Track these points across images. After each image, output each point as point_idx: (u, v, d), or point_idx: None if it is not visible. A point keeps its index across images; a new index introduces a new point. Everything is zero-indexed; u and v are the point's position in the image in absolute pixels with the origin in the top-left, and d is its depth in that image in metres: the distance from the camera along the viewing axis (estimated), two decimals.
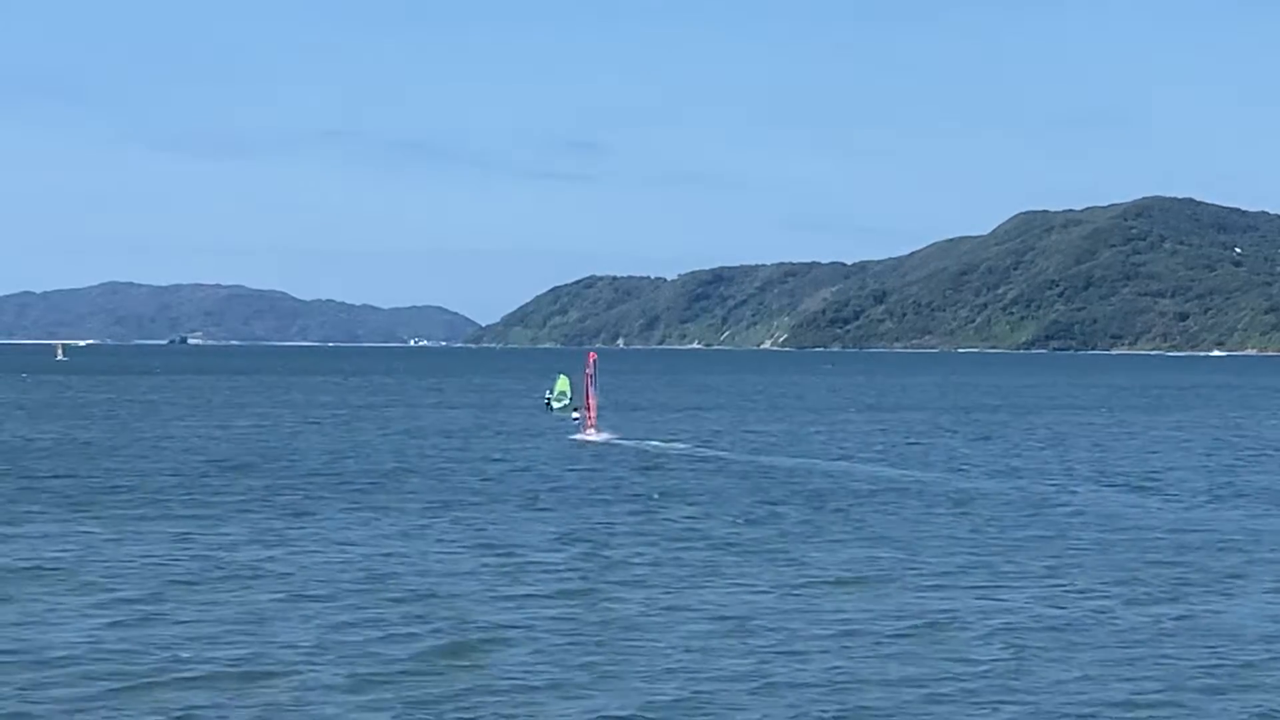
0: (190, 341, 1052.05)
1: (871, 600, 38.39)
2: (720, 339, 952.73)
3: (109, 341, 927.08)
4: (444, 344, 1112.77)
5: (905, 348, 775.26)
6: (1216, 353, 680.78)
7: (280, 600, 37.22)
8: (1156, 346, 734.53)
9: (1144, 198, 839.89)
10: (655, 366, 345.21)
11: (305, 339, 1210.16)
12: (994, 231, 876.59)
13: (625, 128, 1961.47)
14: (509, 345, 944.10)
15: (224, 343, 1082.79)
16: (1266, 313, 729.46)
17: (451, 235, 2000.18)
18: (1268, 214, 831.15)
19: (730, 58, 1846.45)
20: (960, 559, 45.39)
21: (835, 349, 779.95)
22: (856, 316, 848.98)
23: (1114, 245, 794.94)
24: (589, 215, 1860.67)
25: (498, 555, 45.00)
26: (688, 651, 31.98)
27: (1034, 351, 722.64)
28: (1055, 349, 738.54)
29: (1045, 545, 48.48)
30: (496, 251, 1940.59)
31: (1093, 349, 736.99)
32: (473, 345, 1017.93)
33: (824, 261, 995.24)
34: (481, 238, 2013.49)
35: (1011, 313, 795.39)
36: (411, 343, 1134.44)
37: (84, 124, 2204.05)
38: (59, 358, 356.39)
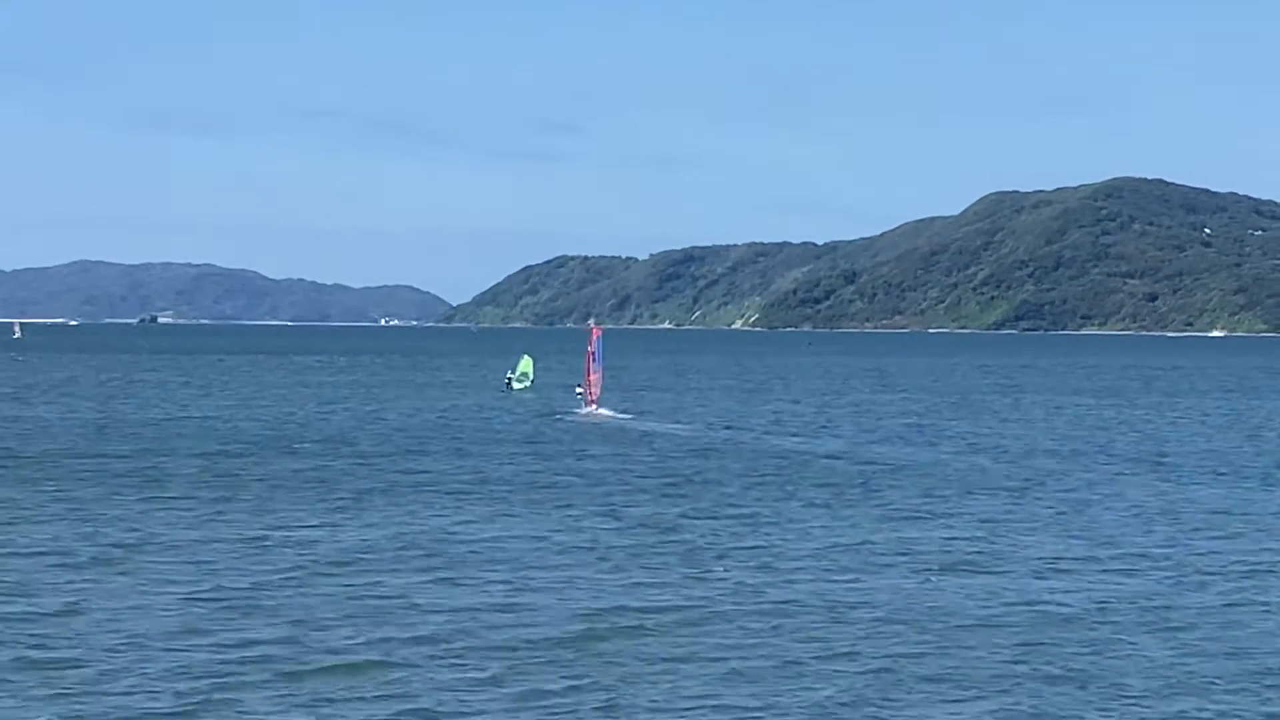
0: (160, 320, 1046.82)
1: (971, 584, 39.24)
2: (691, 319, 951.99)
3: (83, 321, 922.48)
4: (415, 323, 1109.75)
5: (876, 328, 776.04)
6: (1216, 333, 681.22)
7: (361, 587, 37.57)
8: (1126, 327, 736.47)
9: (1114, 178, 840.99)
10: (639, 347, 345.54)
11: (276, 318, 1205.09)
12: (964, 212, 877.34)
13: (597, 108, 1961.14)
14: (481, 325, 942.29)
15: (194, 322, 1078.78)
16: (1235, 293, 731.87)
17: (423, 214, 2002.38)
18: (1237, 195, 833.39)
19: (703, 39, 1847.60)
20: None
21: (806, 329, 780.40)
22: (827, 297, 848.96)
23: (1084, 226, 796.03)
24: (560, 195, 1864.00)
25: (562, 540, 45.39)
26: (804, 641, 32.45)
27: (1004, 332, 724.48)
28: (1025, 329, 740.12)
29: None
30: (468, 231, 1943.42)
31: (1062, 329, 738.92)
32: (444, 325, 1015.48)
33: (795, 242, 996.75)
34: (453, 217, 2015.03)
35: (982, 293, 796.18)
36: (383, 322, 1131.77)
37: (55, 101, 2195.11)
38: (15, 336, 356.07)
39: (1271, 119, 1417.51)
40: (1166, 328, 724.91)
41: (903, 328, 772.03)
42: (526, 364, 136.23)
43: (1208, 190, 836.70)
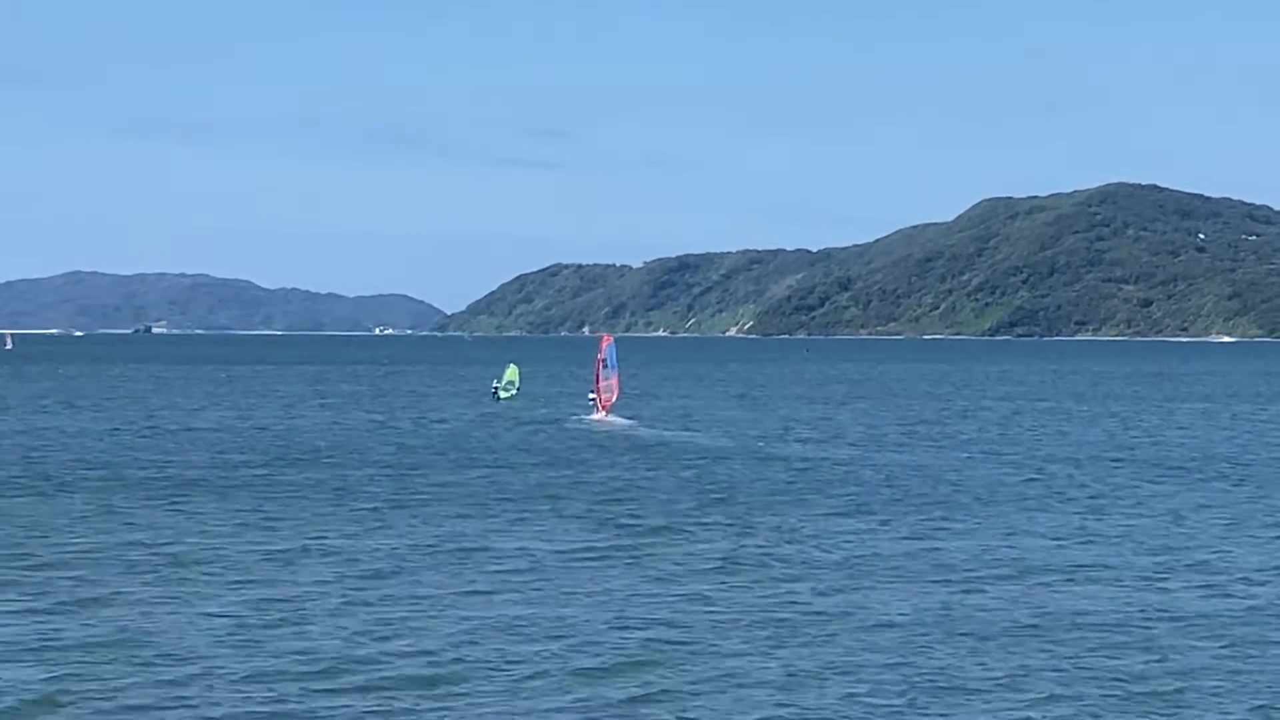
0: (155, 331, 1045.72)
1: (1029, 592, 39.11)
2: (685, 327, 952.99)
3: (85, 332, 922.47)
4: (409, 332, 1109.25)
5: (870, 334, 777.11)
6: (1225, 339, 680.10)
7: (409, 600, 37.65)
8: (1121, 333, 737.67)
9: (1108, 184, 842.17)
10: (637, 355, 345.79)
11: (270, 328, 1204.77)
12: (958, 218, 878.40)
13: (591, 115, 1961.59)
14: (475, 334, 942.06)
15: (189, 332, 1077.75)
16: (1230, 299, 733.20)
17: (417, 223, 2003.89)
18: (1231, 200, 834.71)
19: (697, 46, 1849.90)
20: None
21: (801, 336, 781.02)
22: (822, 304, 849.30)
23: (1078, 232, 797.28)
24: (554, 203, 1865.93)
25: (604, 550, 45.30)
26: (874, 651, 32.53)
27: (999, 338, 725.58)
28: (1019, 335, 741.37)
29: None
30: (462, 239, 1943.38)
31: (1057, 335, 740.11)
32: (438, 334, 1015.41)
33: (789, 249, 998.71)
34: (447, 225, 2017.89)
35: (976, 299, 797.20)
36: (377, 331, 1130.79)
37: (47, 110, 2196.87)
38: (7, 347, 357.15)
39: (1265, 124, 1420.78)
40: (1161, 333, 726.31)
41: (897, 334, 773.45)
42: (512, 372, 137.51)
43: (1202, 195, 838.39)
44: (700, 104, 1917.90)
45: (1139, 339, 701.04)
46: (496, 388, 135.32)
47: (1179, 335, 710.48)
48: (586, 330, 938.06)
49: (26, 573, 40.20)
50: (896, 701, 28.21)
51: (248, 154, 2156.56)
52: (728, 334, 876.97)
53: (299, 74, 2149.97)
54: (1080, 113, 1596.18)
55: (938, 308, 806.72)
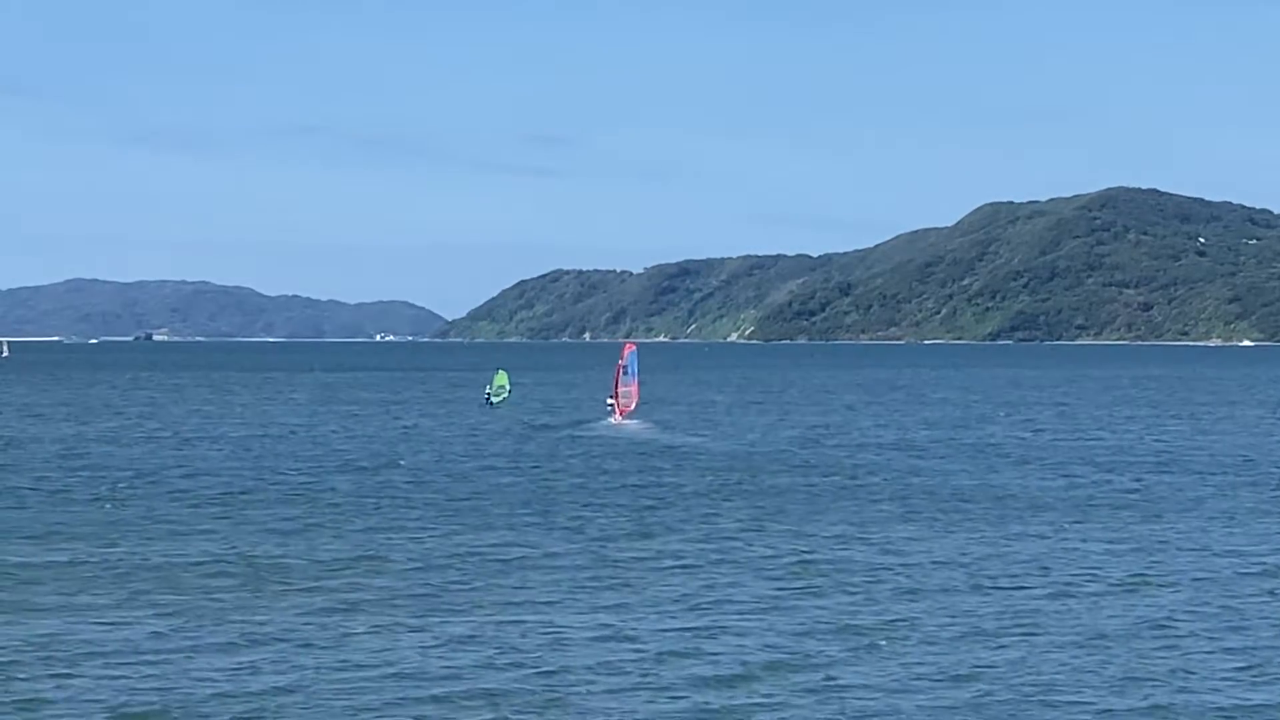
0: (155, 338, 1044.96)
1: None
2: (686, 332, 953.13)
3: (75, 339, 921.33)
4: (410, 339, 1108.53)
5: (871, 340, 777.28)
6: (1246, 343, 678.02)
7: (492, 609, 37.93)
8: (1121, 337, 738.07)
9: (1108, 188, 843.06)
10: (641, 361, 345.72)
11: (271, 335, 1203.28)
12: (959, 223, 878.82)
13: (590, 122, 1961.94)
14: (475, 339, 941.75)
15: (190, 339, 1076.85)
16: (1230, 302, 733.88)
17: (417, 230, 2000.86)
18: (1231, 204, 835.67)
19: (696, 51, 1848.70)
20: None
21: (801, 341, 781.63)
22: (823, 309, 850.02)
23: (1078, 236, 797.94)
24: (554, 209, 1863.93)
25: (679, 560, 45.44)
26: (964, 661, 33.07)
27: (1000, 343, 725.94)
28: (1020, 340, 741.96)
29: None
30: (462, 246, 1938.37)
31: (1058, 339, 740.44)
32: (439, 340, 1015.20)
33: (789, 254, 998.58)
34: (447, 232, 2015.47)
35: (977, 304, 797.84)
36: (378, 338, 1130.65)
37: (48, 119, 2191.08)
38: (4, 355, 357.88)
39: (1265, 128, 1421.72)
40: (1161, 337, 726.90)
41: (898, 339, 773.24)
42: (502, 378, 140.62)
43: (1202, 199, 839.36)
44: (700, 109, 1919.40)
45: (1139, 343, 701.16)
46: (489, 394, 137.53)
47: (1180, 339, 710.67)
48: (588, 336, 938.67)
49: (132, 581, 40.98)
50: (974, 707, 28.86)
51: (248, 162, 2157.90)
52: (729, 339, 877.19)
53: (299, 82, 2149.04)
54: (1080, 117, 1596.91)
55: (939, 312, 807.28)
